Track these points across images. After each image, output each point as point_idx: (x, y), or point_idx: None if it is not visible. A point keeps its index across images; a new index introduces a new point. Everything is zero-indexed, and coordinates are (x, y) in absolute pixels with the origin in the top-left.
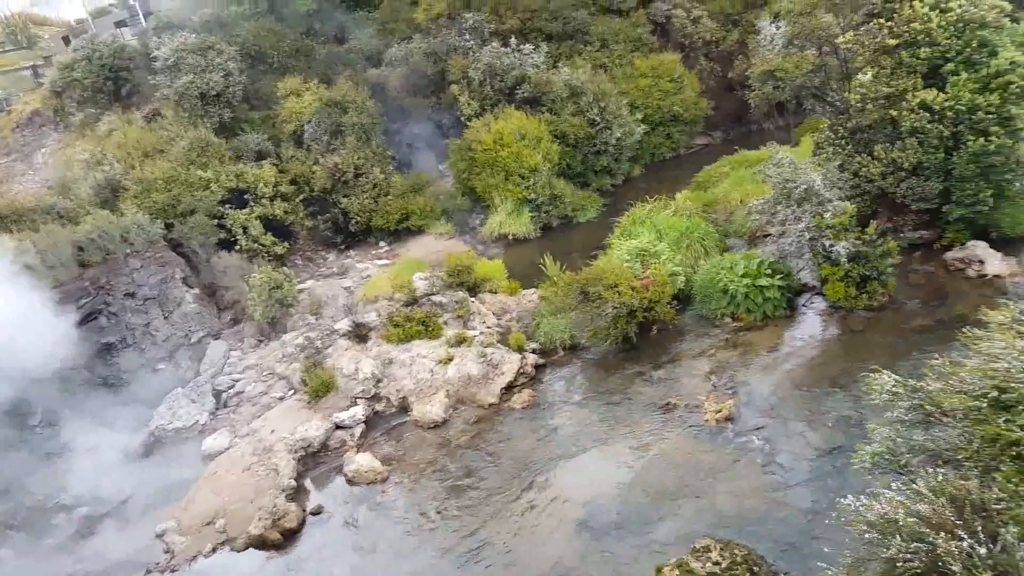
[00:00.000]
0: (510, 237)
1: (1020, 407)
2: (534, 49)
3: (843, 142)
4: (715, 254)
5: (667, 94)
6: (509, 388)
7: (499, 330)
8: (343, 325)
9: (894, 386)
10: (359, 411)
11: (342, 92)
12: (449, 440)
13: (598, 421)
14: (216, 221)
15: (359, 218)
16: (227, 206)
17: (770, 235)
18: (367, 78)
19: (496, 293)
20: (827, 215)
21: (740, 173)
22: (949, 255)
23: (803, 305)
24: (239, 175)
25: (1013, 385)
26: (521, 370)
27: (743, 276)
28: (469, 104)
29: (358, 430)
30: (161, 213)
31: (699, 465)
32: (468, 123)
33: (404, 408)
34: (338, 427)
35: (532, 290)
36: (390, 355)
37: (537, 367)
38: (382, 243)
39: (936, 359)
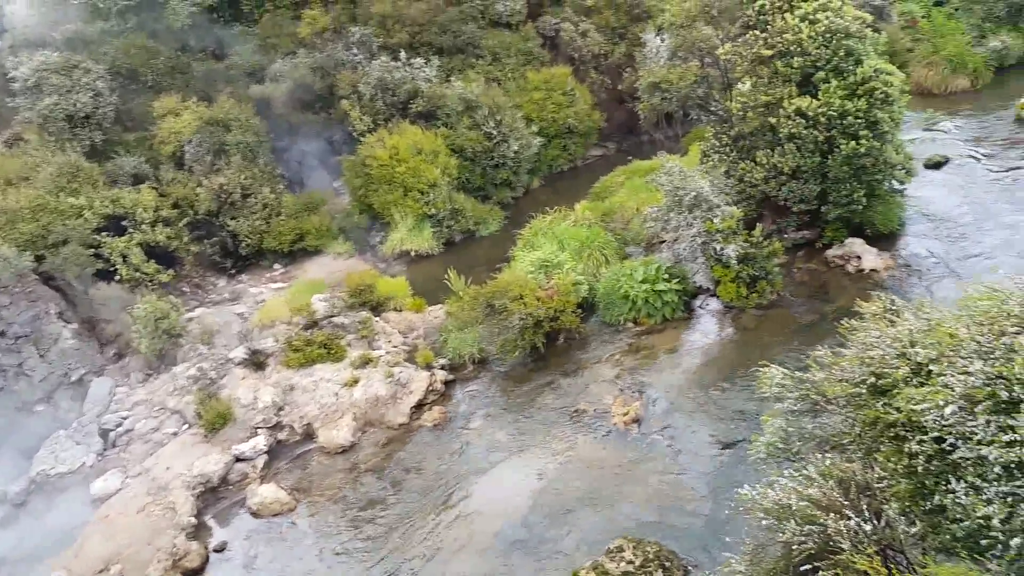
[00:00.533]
0: (412, 254)
1: (895, 391)
2: (425, 63)
3: (727, 149)
4: (615, 262)
5: (561, 107)
6: (419, 406)
7: (406, 348)
8: (238, 353)
9: (783, 379)
10: (260, 441)
11: (224, 110)
12: (358, 464)
13: (509, 433)
14: (92, 250)
15: (249, 240)
16: (104, 234)
17: (665, 241)
18: (250, 95)
19: (401, 311)
20: (716, 220)
21: (634, 182)
22: (829, 253)
23: (699, 307)
24: (115, 200)
25: (887, 371)
26: (431, 387)
27: (642, 282)
28: (361, 119)
29: (260, 461)
30: (30, 244)
31: (610, 468)
32: (361, 139)
33: (309, 435)
34: (239, 459)
35: (438, 306)
36: (291, 381)
37: (447, 383)
38: (276, 265)
39: (820, 350)
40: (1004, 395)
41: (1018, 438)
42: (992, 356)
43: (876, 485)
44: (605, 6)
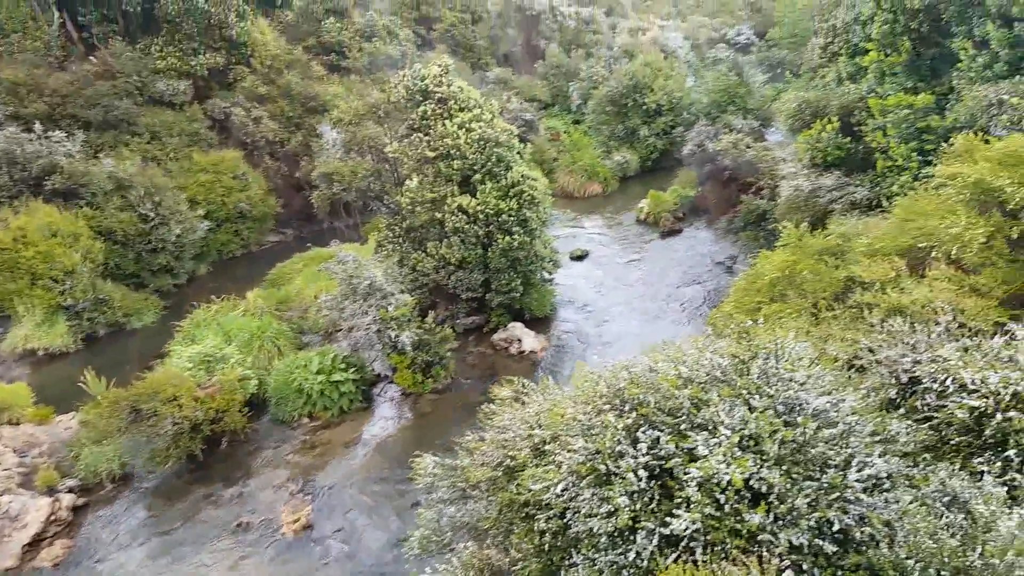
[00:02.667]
0: (41, 352)
1: (525, 470)
2: (67, 136)
3: (400, 240)
4: (290, 353)
5: (231, 190)
6: (36, 542)
7: (22, 471)
8: None
9: (435, 467)
10: None
11: None
12: None
13: (157, 562)
14: None
15: None
16: None
17: (342, 329)
18: None
19: (18, 424)
20: (391, 308)
21: (313, 269)
22: (495, 337)
23: (378, 395)
24: None
25: (516, 452)
26: (53, 517)
27: (318, 373)
28: None
29: None
30: None
31: None
32: None
33: None
34: None
35: (71, 415)
36: None
37: (76, 509)
38: None
39: (468, 435)
40: (602, 468)
41: (613, 508)
42: (592, 433)
43: (513, 568)
44: (279, 95)
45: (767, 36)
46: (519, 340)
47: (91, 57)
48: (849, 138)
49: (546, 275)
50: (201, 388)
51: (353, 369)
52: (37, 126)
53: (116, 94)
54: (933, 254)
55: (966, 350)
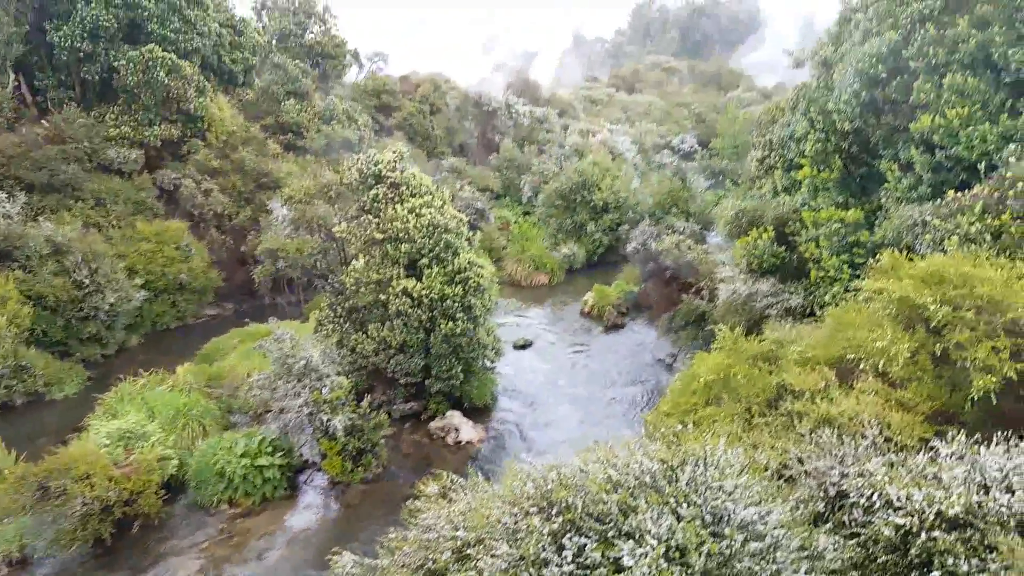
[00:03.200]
0: None
1: (446, 575)
2: (8, 198)
3: (341, 320)
4: (216, 433)
5: (173, 261)
6: None
7: None
8: None
9: (352, 566)
10: None
11: None
12: None
13: None
14: None
15: None
16: None
17: (272, 411)
18: None
19: None
20: (325, 390)
21: (249, 346)
22: (432, 425)
23: (304, 483)
24: None
25: (437, 555)
26: None
27: (242, 456)
28: None
29: None
30: None
31: None
32: None
33: None
34: None
35: None
36: None
37: None
38: None
39: (391, 533)
40: None
41: None
42: (517, 537)
43: None
44: (232, 170)
45: (710, 145)
46: (456, 429)
47: (43, 121)
48: (784, 247)
49: (488, 363)
50: (117, 467)
51: (280, 453)
52: None
53: (64, 158)
54: (861, 366)
55: (892, 465)
